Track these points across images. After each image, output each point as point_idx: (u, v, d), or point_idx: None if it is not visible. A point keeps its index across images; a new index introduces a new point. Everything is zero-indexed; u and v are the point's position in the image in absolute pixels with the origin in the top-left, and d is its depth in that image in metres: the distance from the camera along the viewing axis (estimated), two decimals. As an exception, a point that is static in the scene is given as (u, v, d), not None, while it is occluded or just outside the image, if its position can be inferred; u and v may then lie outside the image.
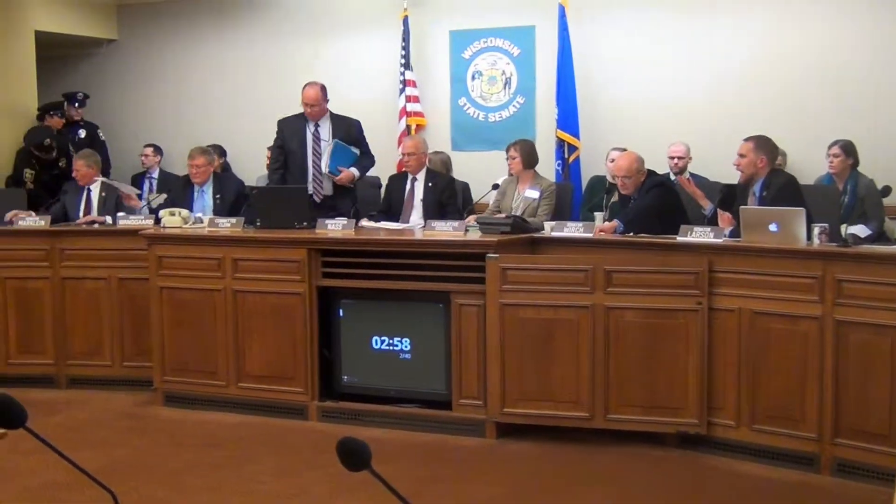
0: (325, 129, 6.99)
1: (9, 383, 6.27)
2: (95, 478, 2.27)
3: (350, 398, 5.97)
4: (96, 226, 6.91)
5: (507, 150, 6.87)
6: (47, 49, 9.17)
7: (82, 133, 9.09)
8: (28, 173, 8.52)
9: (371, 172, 7.71)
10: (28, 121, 8.78)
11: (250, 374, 6.12)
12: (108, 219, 6.99)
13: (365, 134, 7.13)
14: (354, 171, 6.95)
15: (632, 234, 5.73)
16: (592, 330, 5.33)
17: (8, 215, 7.05)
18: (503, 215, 6.30)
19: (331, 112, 7.04)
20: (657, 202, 5.88)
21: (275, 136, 7.11)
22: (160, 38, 9.63)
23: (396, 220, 6.71)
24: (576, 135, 7.94)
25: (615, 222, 5.83)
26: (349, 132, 7.01)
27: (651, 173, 6.06)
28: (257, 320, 6.09)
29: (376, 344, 5.90)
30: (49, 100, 9.05)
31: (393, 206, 6.87)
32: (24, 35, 8.82)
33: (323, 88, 6.96)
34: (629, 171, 5.98)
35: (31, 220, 6.97)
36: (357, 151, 7.00)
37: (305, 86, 7.00)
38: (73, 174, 7.36)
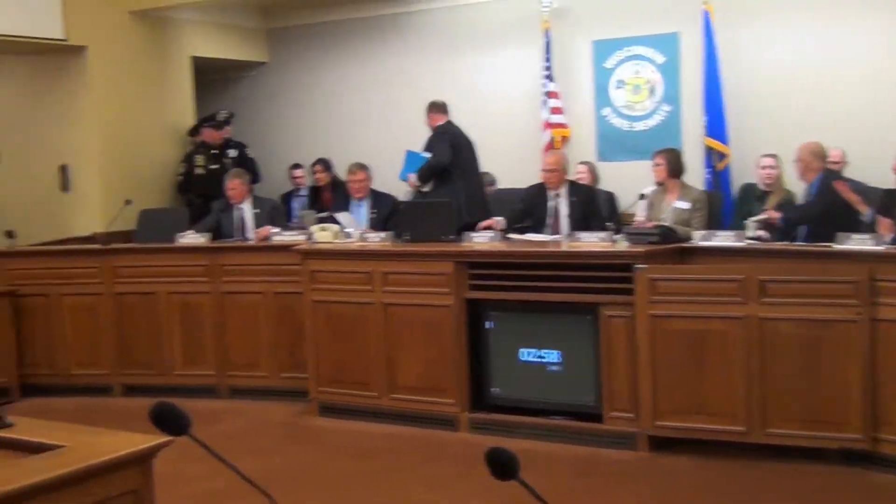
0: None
1: (174, 393, 6.52)
2: (257, 484, 2.32)
3: (500, 410, 5.96)
4: (272, 239, 7.06)
5: (653, 159, 6.76)
6: (203, 73, 9.53)
7: (233, 152, 9.37)
8: (199, 158, 8.85)
9: (511, 184, 7.73)
10: (186, 139, 9.13)
11: (402, 385, 6.19)
12: (277, 230, 7.19)
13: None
14: (413, 176, 7.29)
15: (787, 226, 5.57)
16: (747, 341, 5.17)
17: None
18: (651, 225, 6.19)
19: (439, 125, 7.42)
20: (826, 201, 5.71)
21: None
22: (308, 59, 9.89)
23: (538, 229, 6.68)
24: (724, 142, 7.76)
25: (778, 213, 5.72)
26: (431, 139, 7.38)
27: (829, 170, 5.89)
28: (407, 332, 6.16)
29: (524, 356, 5.87)
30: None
31: (533, 216, 6.82)
32: (181, 61, 9.21)
33: (427, 107, 7.46)
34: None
35: (191, 237, 7.23)
36: (428, 155, 7.27)
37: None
38: (228, 192, 7.58)
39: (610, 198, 7.80)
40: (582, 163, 8.14)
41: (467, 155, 7.39)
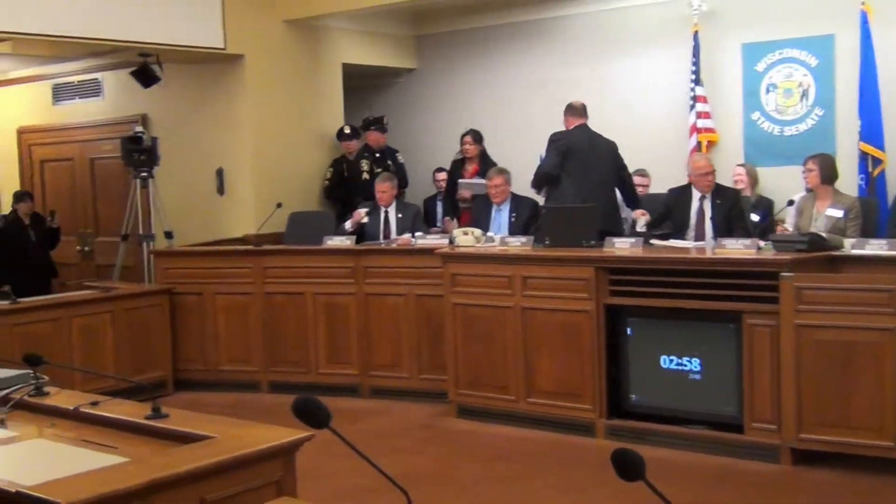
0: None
1: (318, 391, 6.71)
2: (395, 481, 2.42)
3: (637, 417, 5.94)
4: (415, 243, 7.24)
5: (805, 164, 6.61)
6: (352, 80, 9.79)
7: (400, 157, 9.56)
8: (364, 163, 9.13)
9: (656, 189, 7.69)
10: (337, 147, 9.41)
11: (539, 389, 6.23)
12: (419, 234, 7.42)
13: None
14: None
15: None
16: (897, 354, 5.01)
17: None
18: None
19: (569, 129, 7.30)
20: None
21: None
22: (456, 65, 10.03)
23: (679, 234, 6.63)
24: (881, 147, 7.49)
25: None
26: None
27: None
28: (546, 337, 6.20)
29: (665, 363, 5.83)
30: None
31: (675, 219, 6.78)
32: (332, 68, 9.49)
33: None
34: None
35: (338, 240, 7.46)
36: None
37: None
38: (378, 195, 7.82)
39: (768, 205, 7.65)
40: (740, 165, 8.03)
41: (589, 160, 7.07)
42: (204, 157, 8.95)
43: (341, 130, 9.26)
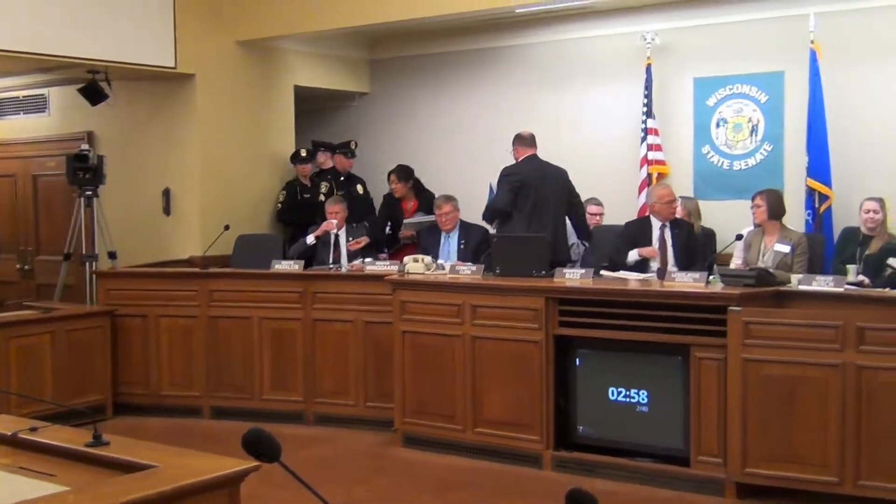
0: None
1: (262, 418, 6.71)
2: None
3: (585, 449, 5.96)
4: (368, 268, 7.22)
5: (753, 199, 6.72)
6: (304, 102, 9.78)
7: (360, 187, 9.51)
8: (281, 194, 9.11)
9: (610, 220, 7.78)
10: (286, 167, 9.38)
11: (487, 419, 6.23)
12: (367, 260, 7.42)
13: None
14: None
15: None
16: (842, 390, 5.09)
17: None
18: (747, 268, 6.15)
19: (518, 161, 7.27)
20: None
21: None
22: (410, 91, 10.05)
23: (642, 265, 6.70)
24: (827, 184, 7.62)
25: None
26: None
27: None
28: (495, 367, 6.21)
29: (613, 395, 5.87)
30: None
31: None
32: (284, 90, 9.47)
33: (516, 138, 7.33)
34: None
35: (286, 264, 7.43)
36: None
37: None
38: (331, 216, 7.85)
39: (709, 234, 7.75)
40: (682, 197, 8.13)
41: (540, 193, 7.07)
42: (151, 177, 8.87)
43: (297, 153, 9.24)
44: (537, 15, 8.99)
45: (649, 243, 6.78)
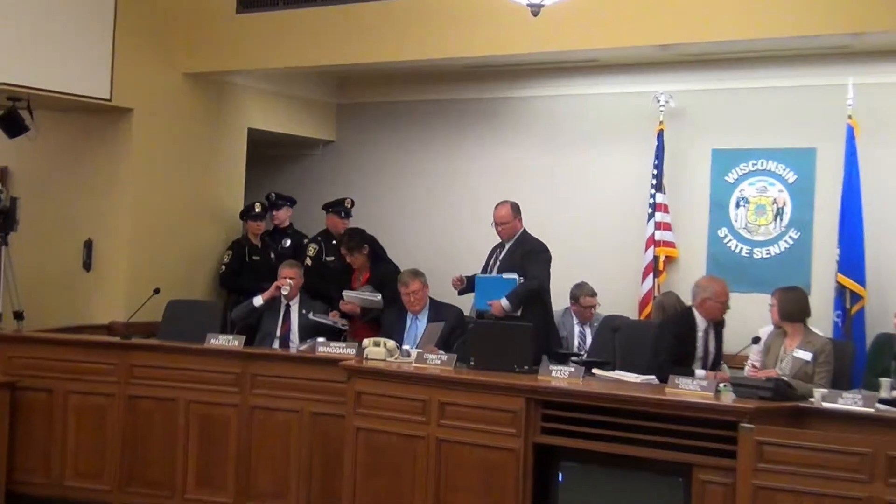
0: (503, 252, 7.56)
1: (183, 521, 6.60)
2: None
3: (564, 582, 5.88)
4: (320, 349, 7.15)
5: (773, 296, 6.72)
6: (259, 148, 9.79)
7: (287, 243, 9.56)
8: (226, 255, 9.11)
9: (605, 309, 7.79)
10: (234, 223, 9.36)
11: (451, 537, 6.16)
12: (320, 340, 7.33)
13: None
14: (504, 302, 7.25)
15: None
16: (868, 530, 5.05)
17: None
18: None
19: (524, 232, 7.55)
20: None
21: None
22: (380, 140, 10.13)
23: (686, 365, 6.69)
24: (861, 281, 7.66)
25: None
26: (518, 253, 7.45)
27: None
28: (462, 476, 6.14)
29: (600, 519, 5.81)
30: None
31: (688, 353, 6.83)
32: (236, 132, 9.50)
33: (513, 206, 7.51)
34: None
35: (223, 339, 7.37)
36: (514, 277, 7.33)
37: (496, 206, 7.55)
38: (283, 284, 7.78)
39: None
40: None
41: None
42: (72, 226, 8.81)
43: (250, 208, 9.24)
44: (534, 65, 9.08)
45: (694, 341, 6.74)
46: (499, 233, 7.56)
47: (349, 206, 9.32)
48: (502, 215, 7.53)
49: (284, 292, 7.71)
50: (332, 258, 8.94)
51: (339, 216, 9.22)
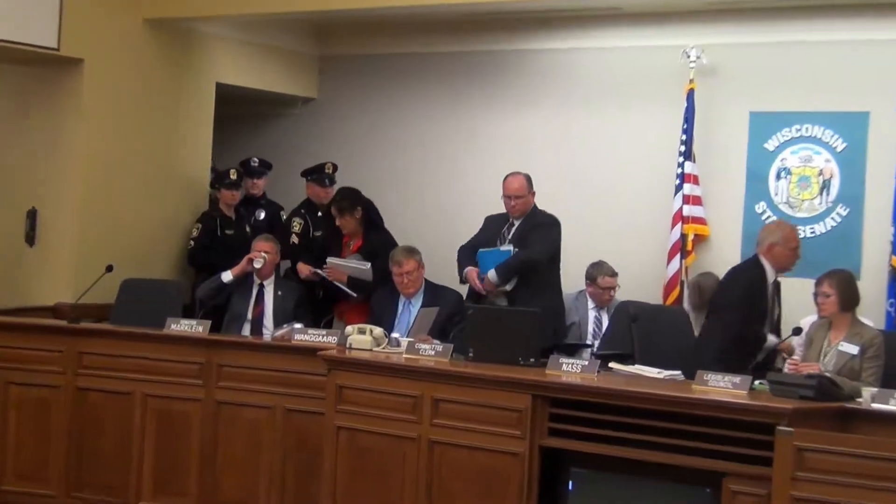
0: (513, 228, 7.68)
1: (138, 531, 6.62)
2: None
3: None
4: (297, 337, 7.14)
5: (819, 284, 6.69)
6: (229, 106, 9.75)
7: (261, 214, 9.55)
8: (195, 228, 9.12)
9: (627, 294, 7.79)
10: (201, 192, 9.36)
11: (444, 550, 6.18)
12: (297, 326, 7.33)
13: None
14: (491, 273, 7.43)
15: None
16: (922, 548, 5.04)
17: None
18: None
19: (535, 207, 7.65)
20: None
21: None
22: (369, 98, 10.10)
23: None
24: (919, 266, 7.68)
25: None
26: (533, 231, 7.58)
27: None
28: (458, 482, 6.14)
29: (615, 533, 5.82)
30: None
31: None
32: (203, 88, 9.47)
33: (528, 179, 7.60)
34: None
35: (185, 325, 7.36)
36: (509, 249, 7.52)
37: (507, 176, 7.65)
38: (257, 257, 7.81)
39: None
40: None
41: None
42: (13, 193, 8.78)
43: (224, 175, 9.21)
44: (547, 13, 9.04)
45: (765, 300, 6.78)
46: (511, 208, 7.62)
47: (330, 171, 9.27)
48: (517, 188, 7.57)
49: (257, 265, 7.72)
50: (319, 233, 8.92)
51: (322, 184, 9.19)
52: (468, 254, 7.77)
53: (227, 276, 7.80)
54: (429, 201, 9.70)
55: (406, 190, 9.80)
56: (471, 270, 7.56)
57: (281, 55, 10.08)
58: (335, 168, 9.33)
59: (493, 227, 7.80)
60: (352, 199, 8.46)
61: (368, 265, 8.06)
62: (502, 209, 7.76)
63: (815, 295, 6.79)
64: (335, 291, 8.33)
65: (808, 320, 7.00)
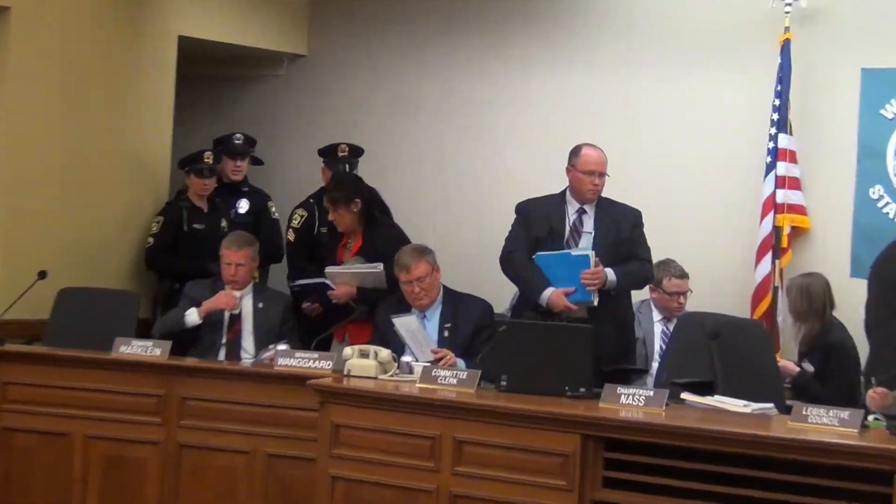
0: (589, 220, 7.62)
1: None
2: None
3: None
4: (281, 360, 7.16)
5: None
6: (196, 66, 9.76)
7: (243, 205, 9.53)
8: (155, 223, 9.14)
9: (700, 304, 7.76)
10: (160, 176, 9.42)
11: None
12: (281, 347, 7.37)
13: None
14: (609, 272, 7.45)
15: None
16: None
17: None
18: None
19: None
20: None
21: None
22: (373, 55, 10.15)
23: None
24: None
25: None
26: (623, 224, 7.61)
27: None
28: (488, 551, 6.14)
29: None
30: (193, 147, 9.56)
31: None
32: (162, 44, 9.48)
33: None
34: None
35: (138, 347, 7.36)
36: (587, 254, 7.45)
37: (584, 147, 7.57)
38: (227, 272, 7.86)
39: (842, 344, 7.79)
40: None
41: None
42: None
43: (197, 157, 9.21)
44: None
45: None
46: (592, 189, 7.60)
47: (346, 153, 9.21)
48: (605, 162, 7.60)
49: (234, 312, 7.68)
50: (326, 229, 8.91)
51: (334, 169, 9.14)
52: (529, 266, 7.64)
53: (192, 316, 7.76)
54: (449, 187, 9.70)
55: (420, 172, 9.83)
56: (557, 295, 7.42)
57: (261, 1, 10.08)
58: (354, 151, 9.28)
59: (541, 218, 7.72)
60: (348, 188, 8.44)
61: (380, 267, 7.98)
62: (538, 193, 7.74)
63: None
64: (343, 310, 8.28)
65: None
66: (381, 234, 8.36)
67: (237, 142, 9.49)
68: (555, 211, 7.71)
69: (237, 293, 7.79)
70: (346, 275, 8.19)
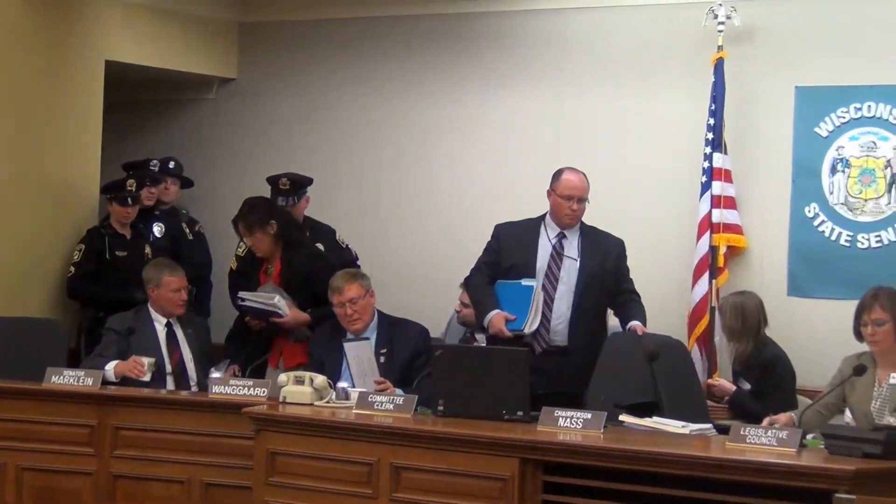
0: (571, 245, 7.59)
1: None
2: None
3: None
4: (215, 388, 7.17)
5: (868, 309, 6.51)
6: (123, 91, 9.74)
7: (157, 229, 9.57)
8: (77, 251, 9.07)
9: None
10: (87, 202, 9.41)
11: None
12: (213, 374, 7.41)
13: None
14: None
15: None
16: None
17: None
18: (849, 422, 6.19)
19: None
20: None
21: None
22: (306, 77, 10.16)
23: None
24: None
25: None
26: (608, 254, 7.58)
27: None
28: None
29: None
30: (123, 173, 9.54)
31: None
32: (89, 67, 9.45)
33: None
34: None
35: (69, 376, 7.32)
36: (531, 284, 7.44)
37: (565, 171, 7.60)
38: (168, 295, 7.87)
39: (777, 360, 7.86)
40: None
41: None
42: None
43: (120, 185, 9.19)
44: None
45: None
46: (571, 215, 7.63)
47: (286, 186, 8.95)
48: (586, 188, 7.64)
49: (145, 378, 7.65)
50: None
51: (286, 200, 8.93)
52: (484, 288, 7.70)
53: (109, 373, 7.61)
54: (387, 205, 9.69)
55: (358, 193, 9.81)
56: (497, 318, 7.43)
57: (190, 23, 10.08)
58: (294, 184, 8.99)
59: (516, 243, 7.75)
60: (261, 211, 8.38)
61: (277, 298, 8.01)
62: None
63: (861, 324, 6.64)
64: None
65: (853, 355, 6.80)
66: (300, 254, 8.36)
67: (171, 167, 9.51)
68: (530, 238, 7.71)
69: (146, 361, 7.66)
70: (253, 304, 8.15)
